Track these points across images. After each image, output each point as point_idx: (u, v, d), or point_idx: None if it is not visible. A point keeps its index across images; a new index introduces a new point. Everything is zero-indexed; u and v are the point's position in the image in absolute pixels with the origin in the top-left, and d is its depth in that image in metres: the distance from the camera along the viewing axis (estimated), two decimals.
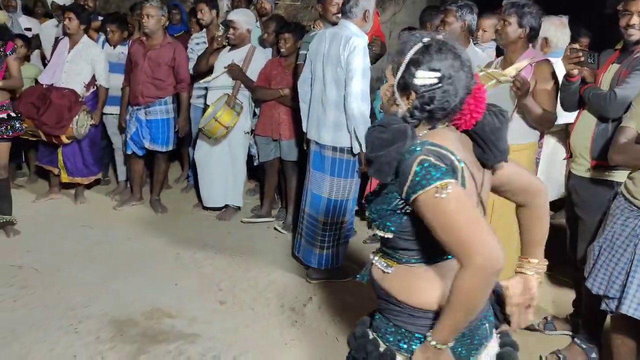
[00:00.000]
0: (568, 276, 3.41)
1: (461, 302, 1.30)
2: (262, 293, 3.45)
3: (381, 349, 1.49)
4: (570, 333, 3.02)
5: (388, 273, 1.50)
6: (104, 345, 2.85)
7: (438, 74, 1.37)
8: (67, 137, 4.46)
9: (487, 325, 1.51)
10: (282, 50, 4.22)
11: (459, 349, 1.44)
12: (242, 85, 4.41)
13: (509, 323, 1.62)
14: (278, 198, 4.88)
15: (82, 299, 3.27)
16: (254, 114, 4.62)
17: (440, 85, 1.37)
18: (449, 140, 1.40)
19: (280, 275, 3.66)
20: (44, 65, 5.10)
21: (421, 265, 1.46)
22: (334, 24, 3.56)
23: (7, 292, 3.32)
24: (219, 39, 4.51)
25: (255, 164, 4.77)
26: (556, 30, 3.53)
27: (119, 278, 3.55)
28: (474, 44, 3.72)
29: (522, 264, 1.69)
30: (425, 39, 1.40)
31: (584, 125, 2.74)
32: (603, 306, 2.41)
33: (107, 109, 4.85)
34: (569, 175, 2.92)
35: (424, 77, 1.37)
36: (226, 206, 4.66)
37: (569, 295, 3.28)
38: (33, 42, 5.28)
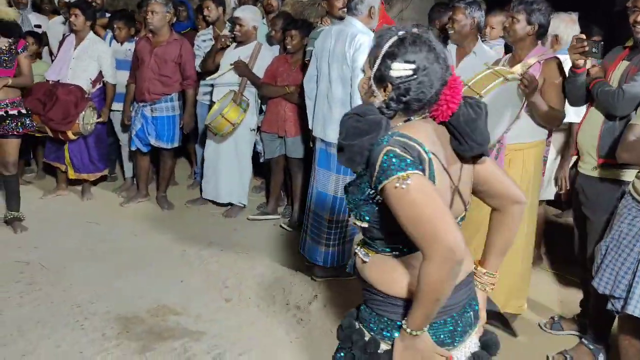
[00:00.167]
0: (576, 275, 3.39)
1: (427, 292, 1.32)
2: (267, 291, 3.45)
3: (366, 338, 1.52)
4: (578, 333, 3.00)
5: (366, 262, 1.53)
6: (110, 342, 2.86)
7: (413, 66, 1.39)
8: (74, 133, 4.47)
9: (471, 313, 1.54)
10: (288, 47, 4.21)
11: (442, 336, 1.47)
12: (248, 82, 4.40)
13: None
14: (284, 195, 4.87)
15: (88, 296, 3.28)
16: (261, 111, 4.62)
17: (415, 76, 1.39)
18: (423, 133, 1.41)
19: (286, 273, 3.66)
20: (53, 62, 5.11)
21: (395, 254, 1.49)
22: (340, 19, 3.54)
23: (14, 288, 3.34)
24: (223, 40, 4.50)
25: (261, 160, 4.77)
26: (566, 27, 3.49)
27: (125, 275, 3.56)
28: (482, 41, 3.69)
29: (475, 274, 1.68)
30: (401, 32, 1.43)
31: (591, 123, 2.71)
32: (609, 306, 2.38)
33: (114, 106, 4.86)
34: (576, 174, 2.89)
35: (399, 69, 1.40)
36: (232, 203, 4.66)
37: (577, 295, 3.26)
38: (43, 39, 5.31)
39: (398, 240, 1.44)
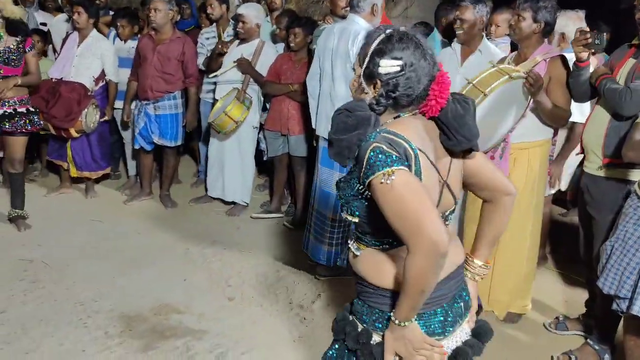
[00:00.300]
0: (581, 275, 3.37)
1: (412, 284, 1.36)
2: (270, 289, 3.44)
3: (359, 330, 1.56)
4: (583, 333, 2.98)
5: (358, 255, 1.58)
6: (113, 340, 2.86)
7: (400, 62, 1.43)
8: (76, 130, 4.47)
9: (461, 304, 1.58)
10: (291, 44, 4.20)
11: (433, 327, 1.51)
12: (251, 80, 4.39)
13: None
14: (288, 194, 4.86)
15: (91, 294, 3.28)
16: (265, 108, 4.61)
17: (403, 72, 1.43)
18: (411, 129, 1.45)
19: (289, 272, 3.65)
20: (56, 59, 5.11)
21: (385, 248, 1.53)
22: (343, 17, 3.53)
23: (17, 286, 3.34)
24: (220, 46, 4.50)
25: (264, 158, 4.76)
26: (574, 25, 3.46)
27: (128, 273, 3.56)
28: (487, 38, 3.66)
29: (467, 263, 1.71)
30: (388, 31, 1.48)
31: (597, 122, 2.68)
32: (614, 306, 2.37)
33: (118, 104, 4.86)
34: (581, 173, 2.87)
35: (387, 66, 1.44)
36: (235, 202, 4.65)
37: (582, 294, 3.24)
38: (49, 37, 5.31)
39: (386, 234, 1.47)
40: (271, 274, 3.62)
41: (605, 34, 2.64)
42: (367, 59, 1.48)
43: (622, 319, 2.50)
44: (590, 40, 2.62)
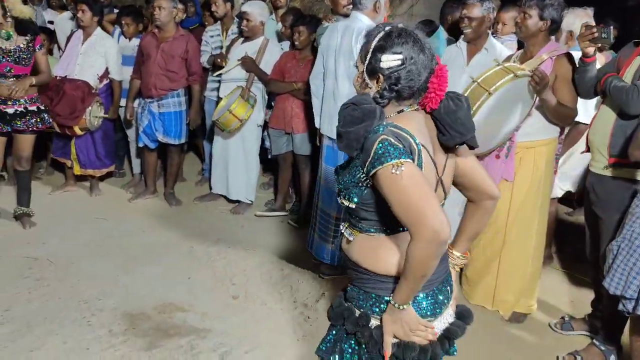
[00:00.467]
0: (587, 275, 3.34)
1: (414, 269, 1.45)
2: (274, 288, 3.43)
3: (356, 314, 1.64)
4: (589, 334, 2.96)
5: (351, 241, 1.66)
6: (117, 338, 2.86)
7: (400, 56, 1.51)
8: (80, 128, 4.47)
9: (448, 288, 1.69)
10: (296, 43, 4.19)
11: (425, 309, 1.61)
12: (255, 78, 4.39)
13: None
14: (293, 192, 4.85)
15: (95, 292, 3.28)
16: (270, 106, 4.59)
17: (403, 66, 1.51)
18: (414, 124, 1.54)
19: (293, 271, 3.64)
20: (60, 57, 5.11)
21: (380, 235, 1.61)
22: (345, 16, 3.51)
23: (22, 284, 3.34)
24: (219, 60, 4.54)
25: (269, 156, 4.75)
26: (582, 22, 3.42)
27: (132, 271, 3.56)
28: (493, 36, 3.63)
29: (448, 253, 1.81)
30: (387, 28, 1.56)
31: (603, 121, 2.66)
32: (620, 307, 2.35)
33: (122, 101, 4.85)
34: (587, 173, 2.85)
35: (388, 60, 1.52)
36: (239, 200, 4.65)
37: (588, 294, 3.22)
38: (54, 35, 5.32)
39: (383, 221, 1.58)
40: (275, 272, 3.62)
41: (612, 28, 2.60)
42: (369, 56, 1.55)
43: (629, 319, 2.48)
44: (596, 35, 2.59)
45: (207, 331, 2.95)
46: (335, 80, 3.35)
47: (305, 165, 4.37)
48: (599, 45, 2.67)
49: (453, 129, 1.57)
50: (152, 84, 4.47)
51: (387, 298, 1.57)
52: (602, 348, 2.74)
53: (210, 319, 3.07)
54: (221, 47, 4.80)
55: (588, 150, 2.80)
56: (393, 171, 1.42)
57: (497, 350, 2.91)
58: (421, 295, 1.60)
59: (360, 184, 1.54)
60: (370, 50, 1.55)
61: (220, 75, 4.53)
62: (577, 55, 2.92)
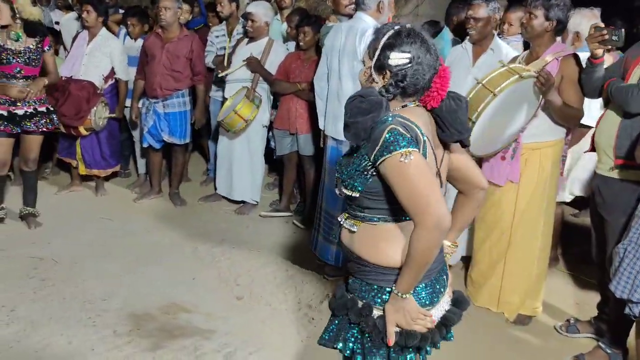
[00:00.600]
0: (593, 277, 3.32)
1: (418, 257, 1.52)
2: (279, 289, 3.43)
3: (359, 305, 1.69)
4: (595, 336, 2.94)
5: (354, 232, 1.70)
6: (121, 339, 2.86)
7: (409, 55, 1.59)
8: (86, 128, 4.48)
9: (444, 277, 1.76)
10: (301, 43, 4.18)
11: (423, 298, 1.67)
12: (260, 78, 4.38)
13: None
14: (298, 192, 4.85)
15: (100, 292, 3.29)
16: (275, 106, 4.59)
17: (410, 64, 1.59)
18: (419, 118, 1.62)
19: (298, 272, 3.64)
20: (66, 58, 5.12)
21: (383, 224, 1.66)
22: (349, 16, 3.51)
23: (27, 284, 3.35)
24: (220, 71, 4.56)
25: (275, 157, 4.75)
26: (588, 23, 3.39)
27: (137, 271, 3.57)
28: (499, 37, 3.61)
29: None
30: (397, 27, 1.63)
31: (608, 123, 2.64)
32: (627, 310, 2.34)
33: (127, 102, 4.86)
34: (593, 174, 2.83)
35: (396, 58, 1.59)
36: (244, 200, 4.65)
37: (593, 297, 3.20)
38: (60, 36, 5.33)
39: (387, 209, 1.64)
40: (280, 273, 3.62)
41: (622, 30, 2.57)
42: (377, 52, 1.62)
43: (635, 323, 2.47)
44: (607, 37, 2.55)
45: (211, 332, 2.95)
46: (339, 81, 3.34)
47: (309, 166, 4.36)
48: (609, 47, 2.64)
49: (453, 127, 1.65)
50: (157, 84, 4.48)
51: (389, 289, 1.63)
52: (608, 351, 2.72)
53: (214, 319, 3.07)
54: (225, 48, 4.80)
55: (593, 149, 2.78)
56: (401, 159, 1.48)
57: (501, 353, 2.90)
58: (420, 285, 1.66)
59: (365, 173, 1.60)
60: (380, 47, 1.61)
61: (225, 75, 4.53)
62: (583, 56, 2.91)
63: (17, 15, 3.86)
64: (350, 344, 1.73)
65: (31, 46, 3.93)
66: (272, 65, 4.37)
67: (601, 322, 2.92)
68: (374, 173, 1.59)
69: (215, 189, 4.85)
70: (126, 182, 5.26)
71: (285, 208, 4.62)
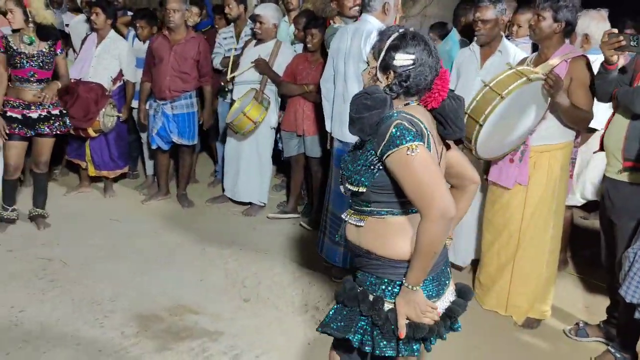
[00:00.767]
0: (602, 280, 3.29)
1: (426, 248, 1.58)
2: (286, 291, 3.43)
3: (370, 298, 1.75)
4: (604, 340, 2.91)
5: (362, 227, 1.76)
6: (129, 340, 2.88)
7: (413, 57, 1.67)
8: (94, 130, 4.51)
9: (448, 269, 1.84)
10: (309, 45, 4.18)
11: (431, 291, 1.74)
12: (268, 80, 4.39)
13: None
14: (305, 194, 4.85)
15: (108, 294, 3.30)
16: (283, 108, 4.59)
17: (414, 65, 1.67)
18: (421, 115, 1.70)
19: (305, 274, 3.64)
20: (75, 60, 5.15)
21: (390, 217, 1.72)
22: (352, 18, 3.50)
23: (36, 285, 3.38)
24: (223, 84, 4.61)
25: (282, 158, 4.75)
26: (597, 25, 3.35)
27: (145, 273, 3.58)
28: (508, 39, 3.59)
29: None
30: (401, 30, 1.71)
31: (617, 125, 2.61)
32: (637, 315, 2.31)
33: (135, 103, 4.89)
34: (603, 178, 2.80)
35: (401, 59, 1.67)
36: (252, 202, 4.66)
37: (603, 300, 3.17)
38: (69, 38, 5.36)
39: (394, 202, 1.70)
40: (287, 275, 3.62)
41: None
42: (383, 53, 1.70)
43: None
44: (624, 43, 2.47)
45: (218, 334, 2.96)
46: (345, 83, 3.34)
47: (317, 168, 4.36)
48: (627, 52, 2.58)
49: (455, 125, 1.73)
50: (166, 86, 4.49)
51: (399, 282, 1.69)
52: (618, 355, 2.70)
53: (221, 321, 3.07)
54: (233, 49, 4.81)
55: (601, 149, 2.76)
56: (408, 153, 1.55)
57: (509, 357, 2.88)
58: (427, 278, 1.71)
59: (372, 167, 1.66)
60: (385, 48, 1.69)
61: (233, 77, 4.54)
62: (593, 59, 2.88)
63: (30, 19, 3.88)
64: (359, 336, 1.76)
65: (44, 50, 3.96)
66: (280, 67, 4.37)
67: (611, 326, 2.89)
68: (381, 167, 1.65)
69: (223, 190, 4.86)
70: (134, 184, 5.29)
71: (292, 210, 4.62)
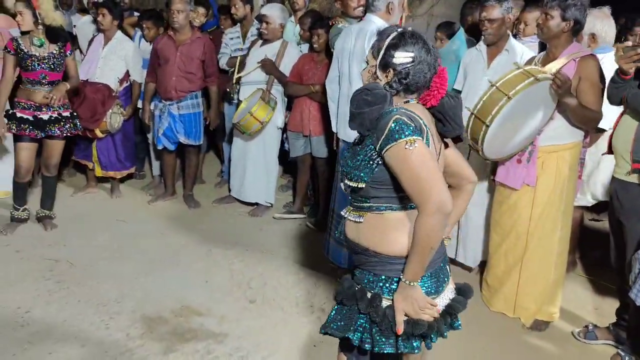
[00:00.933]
0: (612, 282, 3.25)
1: (422, 242, 1.60)
2: (291, 292, 3.42)
3: (368, 295, 1.76)
4: (614, 343, 2.88)
5: (361, 223, 1.77)
6: (134, 342, 2.87)
7: (412, 55, 1.70)
8: (101, 131, 4.52)
9: (447, 267, 1.86)
10: (315, 45, 4.17)
11: (429, 288, 1.75)
12: (275, 80, 4.38)
13: None
14: (311, 195, 4.83)
15: (114, 295, 3.30)
16: (290, 108, 4.58)
17: (413, 63, 1.70)
18: (420, 112, 1.73)
19: (310, 275, 3.63)
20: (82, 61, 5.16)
21: (389, 212, 1.73)
22: (357, 18, 3.48)
23: (43, 286, 3.38)
24: (229, 91, 4.63)
25: (289, 159, 4.74)
26: (602, 23, 3.31)
27: (151, 274, 3.58)
28: (515, 37, 3.56)
29: None
30: (400, 29, 1.74)
31: (626, 127, 2.58)
32: None
33: (141, 104, 4.89)
34: (611, 179, 2.76)
35: (400, 57, 1.70)
36: (258, 202, 4.65)
37: (612, 302, 3.14)
38: (76, 39, 5.37)
39: (393, 197, 1.72)
40: (292, 276, 3.61)
41: None
42: (382, 51, 1.72)
43: None
44: None
45: (224, 335, 2.95)
46: (350, 84, 3.32)
47: (323, 168, 4.35)
48: None
49: (454, 122, 1.76)
50: (172, 86, 4.50)
51: (397, 279, 1.70)
52: (627, 358, 2.66)
53: (227, 323, 3.06)
54: (239, 49, 4.81)
55: (609, 152, 2.72)
56: (407, 147, 1.58)
57: (517, 359, 2.85)
58: (427, 274, 1.73)
59: (371, 162, 1.69)
60: (384, 47, 1.72)
61: (240, 78, 4.53)
62: (601, 57, 2.85)
63: (40, 21, 3.89)
64: (359, 334, 1.77)
65: (54, 51, 3.96)
66: (286, 67, 4.36)
67: (620, 329, 2.86)
68: (380, 162, 1.67)
69: (230, 191, 4.86)
70: (141, 184, 5.30)
71: (298, 210, 4.60)
